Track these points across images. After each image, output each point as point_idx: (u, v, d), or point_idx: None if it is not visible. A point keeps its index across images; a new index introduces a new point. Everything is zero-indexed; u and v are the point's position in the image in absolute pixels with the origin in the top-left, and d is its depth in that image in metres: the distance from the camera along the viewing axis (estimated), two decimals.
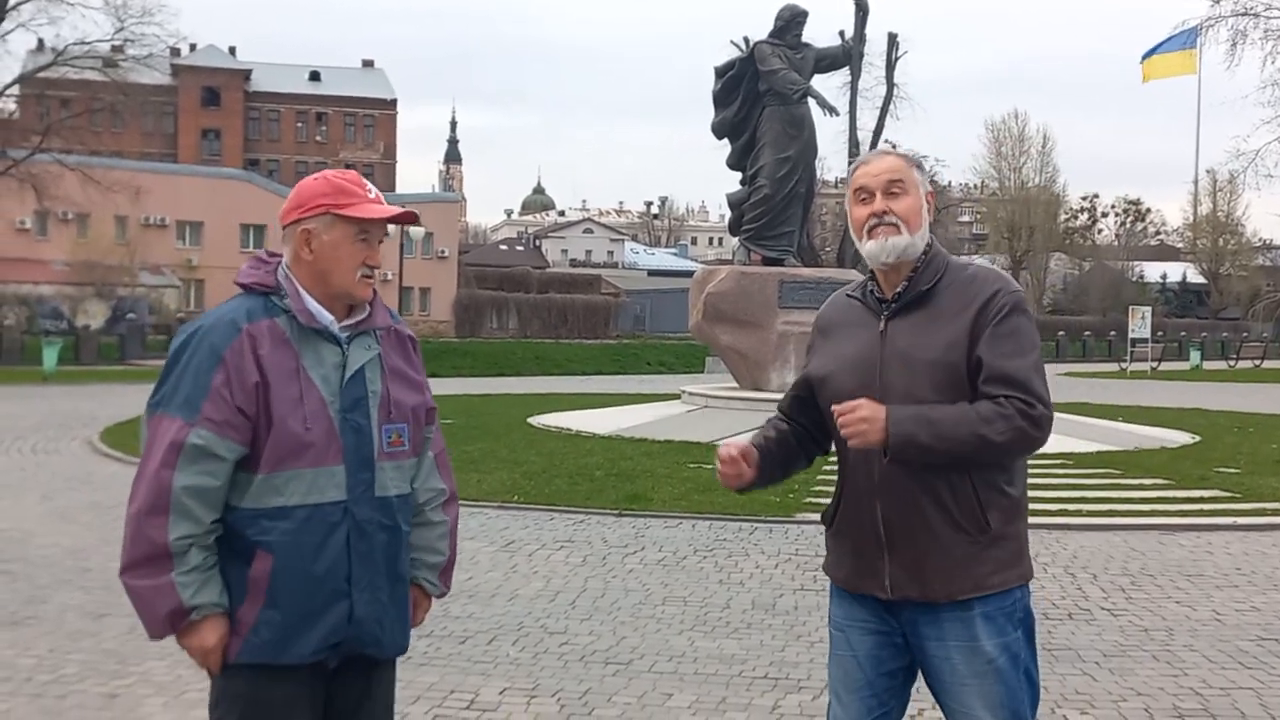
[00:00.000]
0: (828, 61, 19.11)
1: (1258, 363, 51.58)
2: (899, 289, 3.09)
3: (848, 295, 3.24)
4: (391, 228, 2.96)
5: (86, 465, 13.75)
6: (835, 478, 3.19)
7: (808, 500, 10.70)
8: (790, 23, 18.55)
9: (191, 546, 2.71)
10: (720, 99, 18.76)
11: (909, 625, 3.04)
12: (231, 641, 2.78)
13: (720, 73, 18.73)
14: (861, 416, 2.87)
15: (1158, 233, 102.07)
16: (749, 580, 8.06)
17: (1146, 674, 6.02)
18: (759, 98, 18.43)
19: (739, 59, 18.57)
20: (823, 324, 3.28)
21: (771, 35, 18.62)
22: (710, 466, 13.02)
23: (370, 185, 2.92)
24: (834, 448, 3.22)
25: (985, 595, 2.97)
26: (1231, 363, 52.03)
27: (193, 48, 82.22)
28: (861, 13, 19.07)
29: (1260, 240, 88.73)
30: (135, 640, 6.39)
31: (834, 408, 2.94)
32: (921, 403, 2.90)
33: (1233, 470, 13.53)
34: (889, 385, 2.98)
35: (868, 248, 3.08)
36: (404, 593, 2.99)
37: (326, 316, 2.87)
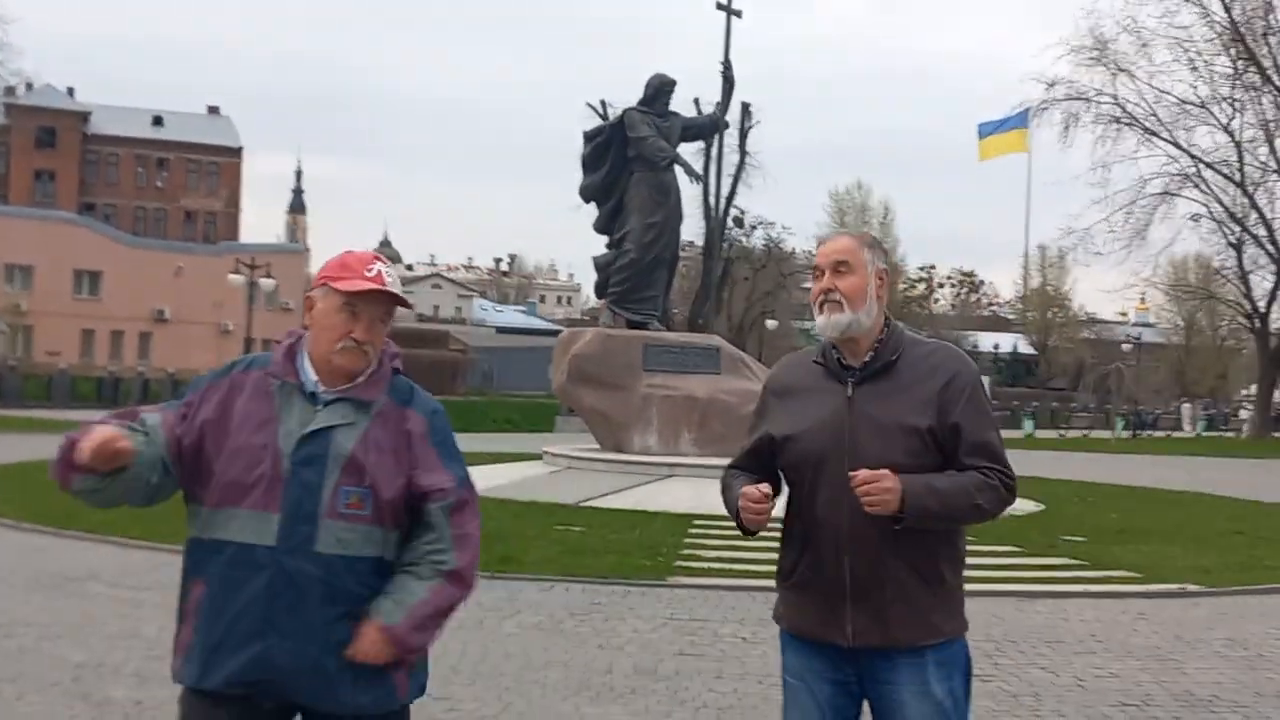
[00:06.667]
0: (694, 130, 19.54)
1: (1086, 432, 53.80)
2: (866, 359, 3.28)
3: (811, 360, 3.39)
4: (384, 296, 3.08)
5: None
6: (780, 533, 3.36)
7: (678, 564, 10.76)
8: (659, 91, 18.95)
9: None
10: (589, 163, 18.99)
11: (866, 671, 3.21)
12: (175, 660, 3.03)
13: (589, 137, 18.98)
14: (886, 487, 3.03)
15: (990, 304, 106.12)
16: (628, 645, 8.07)
17: None
18: (627, 163, 18.72)
19: (608, 125, 18.85)
20: (777, 386, 3.44)
21: (641, 103, 18.99)
22: (579, 529, 13.18)
23: (377, 265, 3.10)
24: (789, 503, 3.35)
25: (938, 643, 3.20)
26: (1062, 432, 54.16)
27: (29, 87, 79.49)
28: (728, 84, 19.57)
29: (1086, 314, 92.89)
30: None
31: (859, 475, 3.06)
32: (894, 466, 3.09)
33: (1079, 539, 14.07)
34: (861, 448, 3.16)
35: (818, 322, 3.31)
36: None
37: (309, 377, 3.06)
